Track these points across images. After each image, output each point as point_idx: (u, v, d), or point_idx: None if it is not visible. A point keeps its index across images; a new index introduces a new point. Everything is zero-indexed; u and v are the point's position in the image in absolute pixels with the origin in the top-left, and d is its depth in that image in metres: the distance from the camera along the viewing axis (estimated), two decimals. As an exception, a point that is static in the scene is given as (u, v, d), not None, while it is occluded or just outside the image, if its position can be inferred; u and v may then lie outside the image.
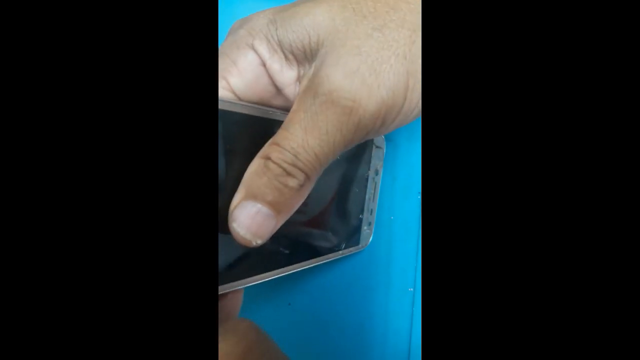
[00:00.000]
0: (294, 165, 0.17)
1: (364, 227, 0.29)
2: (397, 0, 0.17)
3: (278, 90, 0.20)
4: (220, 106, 0.17)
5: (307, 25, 0.17)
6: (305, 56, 0.18)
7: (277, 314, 0.32)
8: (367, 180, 0.28)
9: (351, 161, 0.26)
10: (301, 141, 0.17)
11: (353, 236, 0.28)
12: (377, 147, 0.28)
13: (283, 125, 0.17)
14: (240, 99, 0.20)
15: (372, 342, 0.31)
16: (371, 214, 0.29)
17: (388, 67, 0.17)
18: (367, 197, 0.28)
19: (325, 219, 0.25)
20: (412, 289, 0.31)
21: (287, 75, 0.19)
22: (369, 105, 0.17)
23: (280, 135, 0.17)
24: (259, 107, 0.20)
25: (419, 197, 0.31)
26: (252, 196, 0.17)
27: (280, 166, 0.17)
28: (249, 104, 0.19)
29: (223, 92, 0.19)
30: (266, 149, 0.17)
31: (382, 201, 0.30)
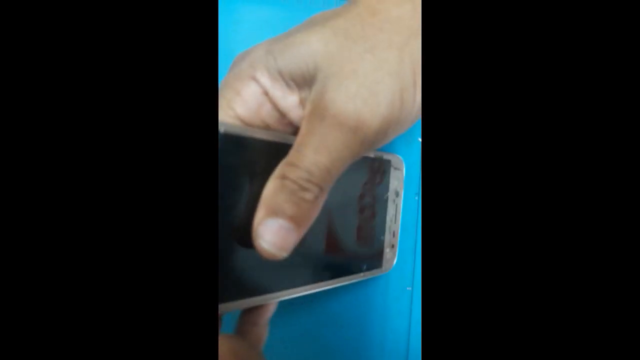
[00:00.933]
0: (309, 181, 0.18)
1: (387, 250, 0.28)
2: (382, 22, 0.19)
3: (282, 114, 0.22)
4: (238, 132, 0.19)
5: (303, 54, 0.19)
6: (304, 81, 0.20)
7: (277, 312, 0.32)
8: (387, 202, 0.28)
9: (370, 184, 0.26)
10: (313, 160, 0.18)
11: (375, 259, 0.28)
12: (395, 168, 0.28)
13: (294, 147, 0.19)
14: (247, 125, 0.21)
15: (370, 340, 0.32)
16: (394, 236, 0.28)
17: (384, 86, 0.18)
18: (388, 219, 0.28)
19: (347, 241, 0.25)
20: (410, 288, 0.32)
21: (289, 100, 0.21)
22: (373, 123, 0.19)
23: (292, 157, 0.19)
24: (270, 131, 0.21)
25: (416, 198, 0.32)
26: (273, 213, 0.18)
27: (295, 182, 0.18)
28: (261, 130, 0.20)
29: (232, 120, 0.21)
30: (281, 169, 0.19)
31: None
